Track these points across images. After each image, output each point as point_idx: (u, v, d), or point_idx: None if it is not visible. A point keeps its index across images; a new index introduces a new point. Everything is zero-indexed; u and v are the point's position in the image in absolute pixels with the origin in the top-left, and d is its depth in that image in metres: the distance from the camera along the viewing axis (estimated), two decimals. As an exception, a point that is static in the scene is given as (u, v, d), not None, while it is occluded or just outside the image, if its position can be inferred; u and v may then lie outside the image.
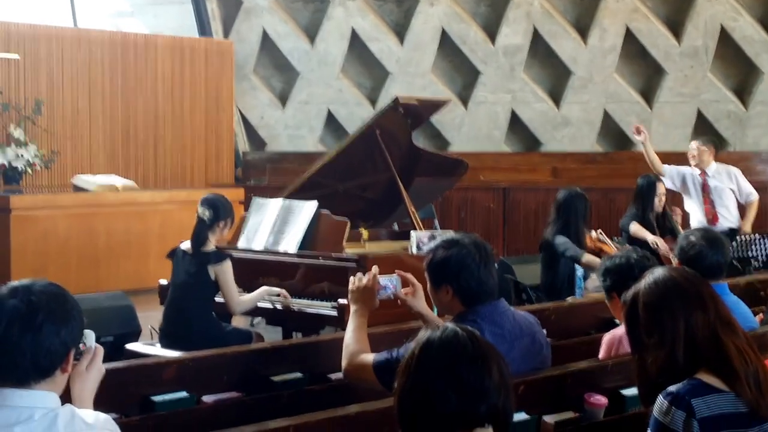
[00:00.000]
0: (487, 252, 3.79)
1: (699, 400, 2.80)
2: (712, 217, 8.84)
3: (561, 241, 7.28)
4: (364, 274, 4.01)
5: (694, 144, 9.07)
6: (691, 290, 2.98)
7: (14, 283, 2.58)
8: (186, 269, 5.99)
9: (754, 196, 9.00)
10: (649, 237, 8.07)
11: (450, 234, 6.09)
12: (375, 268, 4.03)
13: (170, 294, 6.11)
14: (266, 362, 4.32)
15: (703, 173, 8.91)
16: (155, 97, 12.69)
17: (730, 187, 8.94)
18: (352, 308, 3.96)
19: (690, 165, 8.98)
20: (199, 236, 5.97)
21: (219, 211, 6.00)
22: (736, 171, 9.07)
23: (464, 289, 3.71)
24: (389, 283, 4.01)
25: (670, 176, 8.89)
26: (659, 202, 8.32)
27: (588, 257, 7.17)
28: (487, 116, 13.40)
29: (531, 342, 3.78)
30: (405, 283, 4.06)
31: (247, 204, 7.02)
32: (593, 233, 7.63)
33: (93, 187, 10.62)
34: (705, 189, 8.89)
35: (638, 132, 8.76)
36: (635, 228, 8.17)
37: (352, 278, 4.01)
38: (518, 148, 13.55)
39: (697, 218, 8.89)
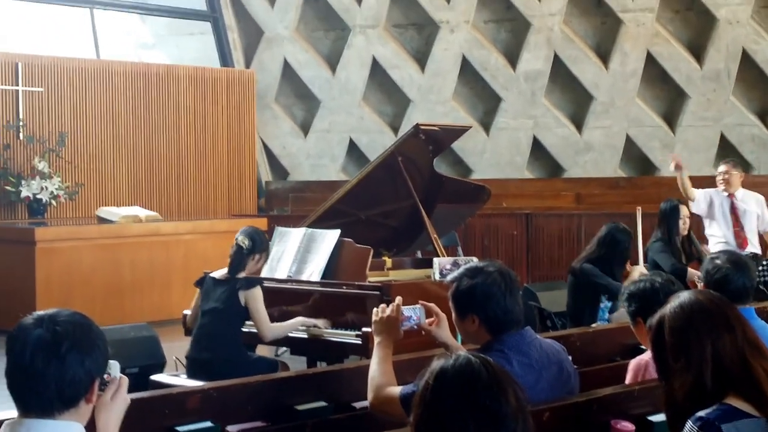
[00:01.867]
0: (513, 279, 3.75)
1: (729, 425, 2.76)
2: (741, 240, 8.75)
3: (593, 270, 7.21)
4: (387, 305, 3.99)
5: (724, 167, 8.94)
6: (717, 313, 2.95)
7: (40, 312, 2.58)
8: (216, 296, 6.00)
9: None
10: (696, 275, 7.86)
11: (474, 261, 6.07)
12: (399, 299, 4.00)
13: (199, 321, 6.11)
14: (291, 391, 4.30)
15: (732, 196, 8.83)
16: (178, 127, 12.75)
17: (757, 212, 8.87)
18: (376, 339, 3.93)
19: (717, 188, 8.90)
20: (237, 263, 5.99)
21: (257, 243, 6.04)
22: (761, 198, 9.00)
23: (490, 318, 3.66)
24: (413, 313, 3.99)
25: (698, 200, 8.81)
26: (684, 225, 8.24)
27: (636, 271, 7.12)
28: (509, 142, 13.39)
29: (559, 371, 3.74)
30: (429, 313, 4.03)
31: (269, 233, 7.02)
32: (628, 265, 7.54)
33: (117, 219, 10.66)
34: (734, 212, 8.80)
35: (678, 167, 8.71)
36: (693, 274, 7.83)
37: (375, 309, 3.98)
38: (541, 174, 13.53)
39: (722, 242, 8.77)
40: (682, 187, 8.77)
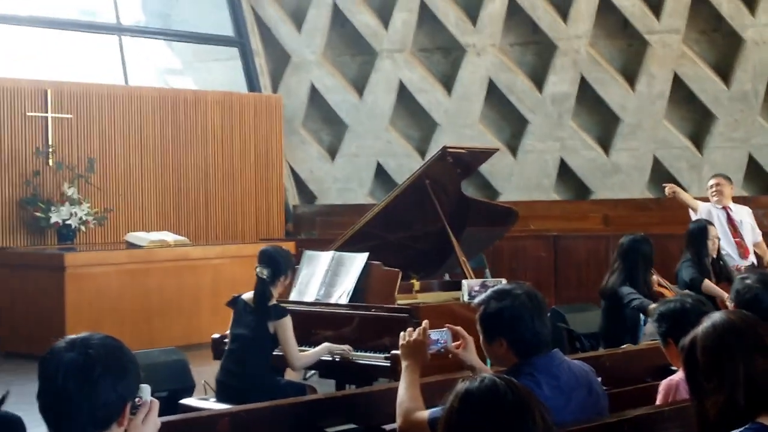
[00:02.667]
0: (540, 302, 3.74)
1: (761, 445, 2.74)
2: (743, 251, 8.79)
3: (626, 291, 7.18)
4: (414, 328, 3.98)
5: (714, 180, 9.12)
6: (749, 333, 2.94)
7: (72, 336, 2.59)
8: (246, 322, 6.01)
9: (760, 235, 9.11)
10: (724, 295, 7.87)
11: (502, 283, 6.06)
12: (425, 323, 4.00)
13: (229, 345, 6.13)
14: (320, 414, 4.30)
15: (727, 208, 8.92)
16: (205, 152, 12.83)
17: (750, 222, 8.97)
18: (404, 363, 3.92)
19: (711, 201, 9.02)
20: (262, 296, 5.98)
21: (279, 266, 6.02)
22: (749, 210, 9.20)
23: (519, 341, 3.65)
24: (440, 336, 3.99)
25: (700, 212, 8.88)
26: (713, 245, 8.20)
27: (650, 309, 7.02)
28: (536, 165, 13.38)
29: (588, 392, 3.73)
30: (456, 336, 4.02)
31: (297, 257, 7.04)
32: (654, 277, 7.52)
33: (145, 244, 10.72)
34: (732, 224, 8.87)
35: (672, 192, 8.93)
36: (708, 286, 7.91)
37: (402, 333, 3.98)
38: (568, 196, 13.50)
39: (725, 254, 8.71)
40: (684, 204, 8.94)
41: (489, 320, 3.71)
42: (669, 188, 9.10)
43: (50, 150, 11.28)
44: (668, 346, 4.14)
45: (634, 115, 13.06)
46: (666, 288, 7.48)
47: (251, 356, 5.95)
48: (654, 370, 5.25)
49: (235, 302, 6.16)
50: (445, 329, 4.02)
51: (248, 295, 6.09)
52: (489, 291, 3.79)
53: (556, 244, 12.23)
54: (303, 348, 6.14)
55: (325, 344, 6.14)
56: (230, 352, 6.08)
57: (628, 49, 13.25)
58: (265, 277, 5.97)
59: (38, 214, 11.03)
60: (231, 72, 14.13)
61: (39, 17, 12.71)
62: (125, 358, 2.60)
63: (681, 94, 13.00)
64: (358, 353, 6.18)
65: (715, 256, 8.22)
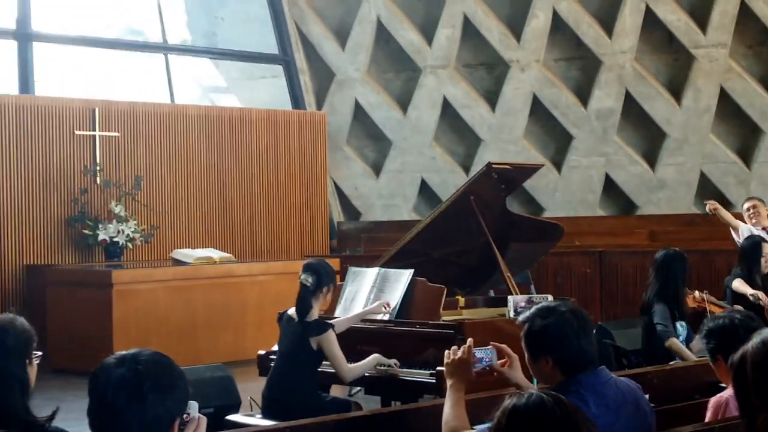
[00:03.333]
0: (586, 319, 3.71)
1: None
2: None
3: (658, 310, 7.13)
4: (459, 346, 3.96)
5: (749, 203, 9.08)
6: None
7: (122, 352, 2.62)
8: (290, 338, 6.01)
9: None
10: (749, 290, 7.88)
11: (548, 300, 6.03)
12: (470, 341, 3.98)
13: (275, 361, 6.14)
14: (365, 430, 4.29)
15: (767, 229, 8.84)
16: (250, 169, 12.90)
17: None
18: (449, 382, 3.90)
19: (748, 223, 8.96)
20: (303, 303, 5.97)
21: (322, 277, 6.00)
22: None
23: (565, 359, 3.62)
24: (484, 354, 3.97)
25: (742, 232, 8.81)
26: (765, 262, 8.14)
27: (672, 342, 6.95)
28: (581, 180, 13.32)
29: (635, 409, 3.69)
30: (501, 354, 4.00)
31: (342, 274, 7.05)
32: (696, 293, 7.46)
33: (191, 260, 10.78)
34: None
35: (713, 209, 8.87)
36: (737, 284, 7.98)
37: (447, 351, 3.97)
38: (613, 211, 13.42)
39: None
40: (725, 222, 8.86)
41: (534, 338, 3.68)
42: (710, 205, 9.05)
43: (98, 168, 11.39)
44: (717, 362, 4.09)
45: (681, 130, 12.96)
46: (714, 305, 7.41)
47: (296, 372, 5.95)
48: (703, 386, 5.20)
49: (281, 318, 6.17)
50: (490, 347, 4.00)
51: (293, 310, 6.09)
52: (533, 308, 3.77)
53: (601, 260, 12.15)
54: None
55: (375, 355, 6.13)
56: (276, 369, 6.09)
57: (674, 64, 13.17)
58: (308, 284, 5.97)
59: (86, 231, 11.14)
60: (275, 90, 14.22)
61: (87, 37, 12.87)
62: (174, 374, 2.61)
63: (728, 109, 12.89)
64: (404, 370, 6.17)
65: (766, 272, 8.16)
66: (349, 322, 6.25)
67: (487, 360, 3.96)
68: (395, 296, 6.51)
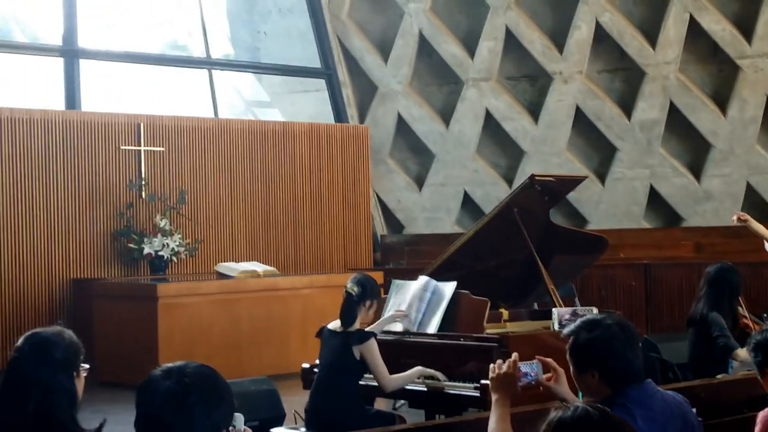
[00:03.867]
0: (632, 331, 3.68)
1: None
2: None
3: (716, 322, 7.06)
4: (504, 360, 3.94)
5: None
6: None
7: (169, 364, 2.64)
8: (331, 349, 6.02)
9: None
10: None
11: (592, 312, 5.99)
12: (515, 355, 3.96)
13: (317, 375, 6.15)
14: (410, 444, 4.29)
15: None
16: (294, 183, 12.95)
17: None
18: (494, 397, 3.88)
19: None
20: (348, 312, 6.00)
21: (367, 289, 6.04)
22: None
23: (611, 372, 3.59)
24: (529, 369, 3.94)
25: None
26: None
27: (740, 352, 6.86)
28: (626, 192, 13.23)
29: (683, 423, 3.65)
30: (546, 368, 3.97)
31: (386, 287, 7.05)
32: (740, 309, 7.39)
33: (235, 274, 10.83)
34: None
35: (740, 220, 8.62)
36: None
37: (492, 365, 3.95)
38: (658, 223, 13.32)
39: None
40: (756, 233, 8.67)
41: (580, 351, 3.66)
42: (739, 216, 8.76)
43: (143, 182, 11.49)
44: (765, 376, 4.05)
45: (726, 141, 12.85)
46: (749, 320, 7.32)
47: (339, 383, 5.96)
48: (751, 400, 5.14)
49: (321, 332, 6.19)
50: (535, 361, 3.98)
51: (333, 324, 6.11)
52: (579, 321, 3.74)
53: (647, 273, 12.06)
54: (392, 377, 6.14)
55: (418, 367, 6.12)
56: (318, 382, 6.10)
57: (719, 74, 13.06)
58: (354, 294, 6.00)
59: (131, 245, 11.23)
60: (318, 103, 14.28)
61: (132, 53, 12.99)
62: (220, 387, 2.63)
63: (774, 119, 12.78)
64: (448, 383, 6.15)
65: None
66: (408, 378, 6.17)
67: (532, 374, 3.94)
68: (438, 309, 6.50)
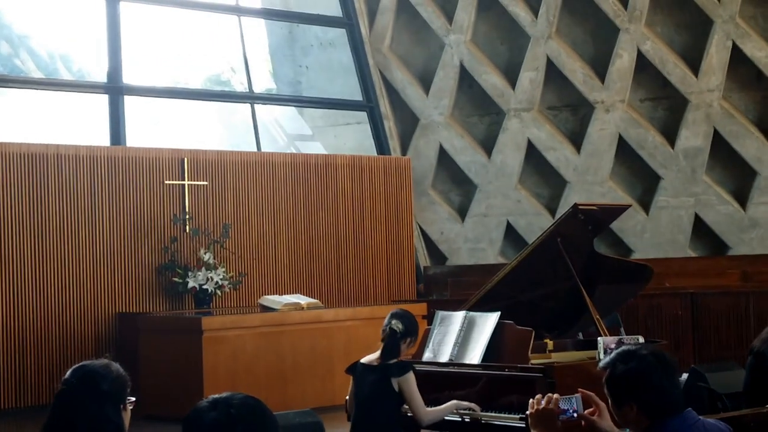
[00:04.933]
0: (668, 361, 3.62)
1: None
2: None
3: None
4: (543, 395, 3.90)
5: None
6: None
7: (214, 396, 2.65)
8: (369, 383, 6.01)
9: None
10: None
11: (639, 341, 5.94)
12: (556, 396, 3.91)
13: (355, 410, 6.14)
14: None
15: None
16: (336, 215, 12.98)
17: None
18: None
19: None
20: (391, 349, 6.01)
21: (410, 327, 6.07)
22: None
23: (649, 404, 3.54)
24: (569, 405, 3.89)
25: None
26: None
27: None
28: (670, 221, 13.14)
29: (726, 453, 3.62)
30: (588, 401, 3.93)
31: (429, 319, 7.04)
32: None
33: (279, 307, 10.85)
34: None
35: None
36: None
37: (531, 401, 3.92)
38: (704, 252, 13.20)
39: None
40: None
41: (616, 384, 3.61)
42: None
43: (187, 217, 11.57)
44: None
45: (771, 168, 12.74)
46: None
47: (378, 417, 5.95)
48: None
49: (354, 368, 6.18)
50: (576, 395, 3.94)
51: (368, 358, 6.11)
52: (614, 354, 3.69)
53: (693, 302, 11.94)
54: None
55: (453, 401, 6.12)
56: (357, 417, 6.09)
57: (763, 101, 12.97)
58: (399, 330, 6.01)
59: (176, 279, 11.29)
60: (360, 135, 14.33)
61: (175, 88, 13.14)
62: (266, 418, 2.63)
63: (820, 145, 12.65)
64: (492, 414, 6.12)
65: None
66: (443, 411, 6.15)
67: (572, 409, 3.89)
68: (482, 340, 6.47)
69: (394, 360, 6.00)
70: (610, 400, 3.66)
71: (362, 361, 6.14)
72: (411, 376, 5.92)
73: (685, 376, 7.34)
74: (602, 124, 13.30)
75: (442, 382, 6.40)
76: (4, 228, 10.49)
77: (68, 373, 3.42)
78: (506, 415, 6.06)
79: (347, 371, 6.24)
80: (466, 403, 6.11)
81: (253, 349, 10.22)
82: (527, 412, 3.89)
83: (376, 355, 6.11)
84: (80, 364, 3.45)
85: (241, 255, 12.02)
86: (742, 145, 12.82)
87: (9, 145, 10.70)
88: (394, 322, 6.04)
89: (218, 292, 11.43)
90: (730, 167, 13.05)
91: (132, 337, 10.71)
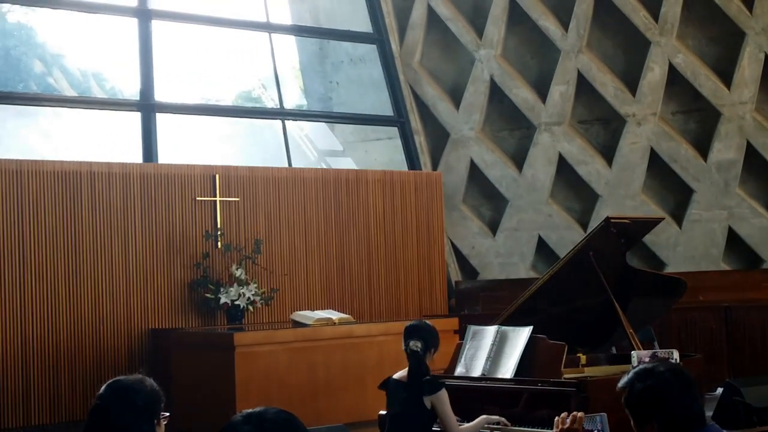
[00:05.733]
0: (686, 376, 3.59)
1: None
2: None
3: None
4: (569, 414, 3.89)
5: None
6: None
7: (248, 410, 2.66)
8: (401, 400, 6.02)
9: None
10: None
11: (673, 355, 5.90)
12: (581, 413, 3.90)
13: (388, 426, 6.14)
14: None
15: None
16: (368, 231, 13.00)
17: None
18: None
19: None
20: (418, 370, 6.00)
21: (428, 340, 6.07)
22: None
23: (670, 421, 3.52)
24: (593, 426, 3.88)
25: None
26: None
27: None
28: (703, 234, 13.05)
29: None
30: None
31: (461, 333, 7.03)
32: None
33: (311, 322, 10.87)
34: None
35: None
36: None
37: (556, 419, 3.91)
38: (738, 265, 13.10)
39: None
40: None
41: (636, 403, 3.58)
42: None
43: (219, 233, 11.61)
44: None
45: (806, 181, 12.65)
46: None
47: (411, 433, 5.95)
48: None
49: (386, 384, 6.18)
50: (601, 414, 3.92)
51: (400, 374, 6.12)
52: (631, 373, 3.67)
53: (727, 316, 11.85)
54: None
55: (483, 417, 6.11)
56: (390, 433, 6.10)
57: (796, 113, 12.89)
58: (419, 350, 6.00)
59: (208, 295, 11.34)
60: (390, 151, 14.36)
61: (207, 105, 13.22)
62: (299, 432, 2.65)
63: None
64: (525, 428, 6.10)
65: None
66: (475, 428, 6.14)
67: (597, 429, 3.88)
68: (515, 354, 6.46)
69: (426, 377, 5.99)
70: (632, 420, 3.63)
71: (394, 377, 6.15)
72: (444, 394, 5.92)
73: (719, 390, 7.29)
74: (634, 137, 13.25)
75: (475, 397, 6.39)
76: (39, 246, 10.58)
77: (103, 388, 3.45)
78: (540, 430, 6.04)
79: (380, 387, 6.24)
80: (495, 417, 6.11)
81: (286, 364, 10.24)
82: (553, 431, 3.88)
83: (405, 372, 6.11)
84: (114, 379, 3.47)
85: (272, 270, 12.05)
86: (775, 158, 12.74)
87: (43, 162, 10.80)
88: (411, 343, 6.03)
89: (250, 307, 11.46)
90: (763, 180, 12.96)
91: (165, 353, 10.77)
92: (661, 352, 6.40)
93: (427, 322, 6.33)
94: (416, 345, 6.03)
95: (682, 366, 3.68)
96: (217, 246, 11.60)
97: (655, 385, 3.55)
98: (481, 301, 13.52)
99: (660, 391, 3.53)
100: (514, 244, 13.91)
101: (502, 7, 13.79)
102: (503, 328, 6.70)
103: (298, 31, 14.56)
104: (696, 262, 13.03)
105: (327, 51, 14.87)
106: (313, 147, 14.74)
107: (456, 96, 14.20)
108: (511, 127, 14.06)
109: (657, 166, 13.24)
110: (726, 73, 12.88)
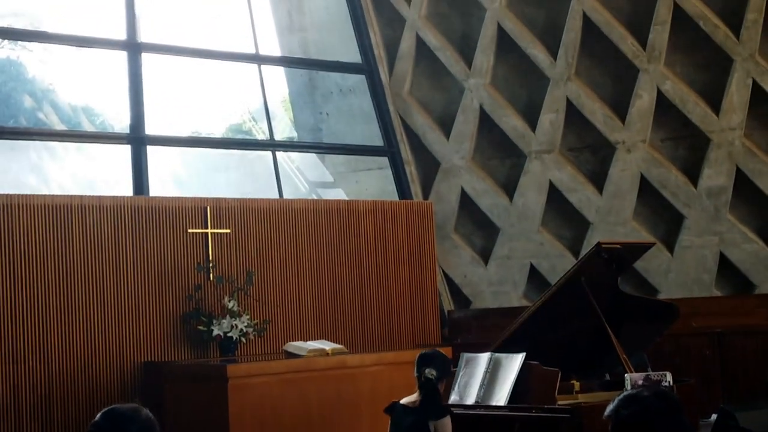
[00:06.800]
0: (672, 399, 3.58)
1: None
2: None
3: None
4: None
5: None
6: None
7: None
8: (407, 424, 6.02)
9: None
10: None
11: (666, 378, 5.90)
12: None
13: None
14: None
15: None
16: (359, 261, 12.98)
17: None
18: None
19: None
20: (432, 399, 6.02)
21: (443, 369, 6.11)
22: None
23: None
24: None
25: None
26: None
27: None
28: (695, 260, 13.07)
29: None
30: None
31: (455, 362, 7.02)
32: None
33: (304, 353, 10.83)
34: None
35: None
36: None
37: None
38: (730, 291, 13.11)
39: None
40: None
41: (622, 431, 3.57)
42: None
43: (210, 265, 11.59)
44: None
45: (797, 205, 12.68)
46: None
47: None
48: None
49: (392, 408, 6.18)
50: None
51: (406, 400, 6.12)
52: (615, 400, 3.66)
53: (721, 341, 11.86)
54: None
55: None
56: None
57: (785, 138, 12.94)
58: (433, 378, 6.03)
59: (201, 327, 11.29)
60: (381, 181, 14.38)
61: (197, 137, 13.23)
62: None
63: None
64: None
65: None
66: None
67: None
68: (508, 381, 6.45)
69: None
70: None
71: (401, 401, 6.15)
72: (448, 420, 5.95)
73: (714, 416, 7.28)
74: (624, 164, 13.29)
75: (469, 424, 6.37)
76: (29, 279, 10.54)
77: (98, 416, 3.44)
78: (535, 457, 6.02)
79: (386, 411, 6.24)
80: None
81: (279, 395, 10.20)
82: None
83: (414, 397, 6.11)
84: (110, 407, 3.47)
85: (265, 302, 12.02)
86: (765, 183, 12.76)
87: (33, 197, 10.78)
88: (427, 370, 6.06)
89: (243, 339, 11.42)
90: (753, 205, 12.99)
91: (158, 385, 10.71)
92: (655, 375, 6.40)
93: (441, 351, 6.37)
94: (431, 373, 6.09)
95: (667, 389, 3.66)
96: (209, 278, 11.57)
97: (640, 411, 3.53)
98: (474, 329, 13.51)
99: (645, 417, 3.51)
100: (506, 273, 13.91)
101: (490, 37, 13.86)
102: (496, 354, 6.70)
103: (288, 62, 14.62)
104: (688, 288, 13.04)
105: (316, 82, 14.91)
106: (304, 178, 14.76)
107: (446, 125, 14.24)
108: (502, 155, 14.10)
109: (647, 193, 13.27)
110: (714, 100, 12.94)
